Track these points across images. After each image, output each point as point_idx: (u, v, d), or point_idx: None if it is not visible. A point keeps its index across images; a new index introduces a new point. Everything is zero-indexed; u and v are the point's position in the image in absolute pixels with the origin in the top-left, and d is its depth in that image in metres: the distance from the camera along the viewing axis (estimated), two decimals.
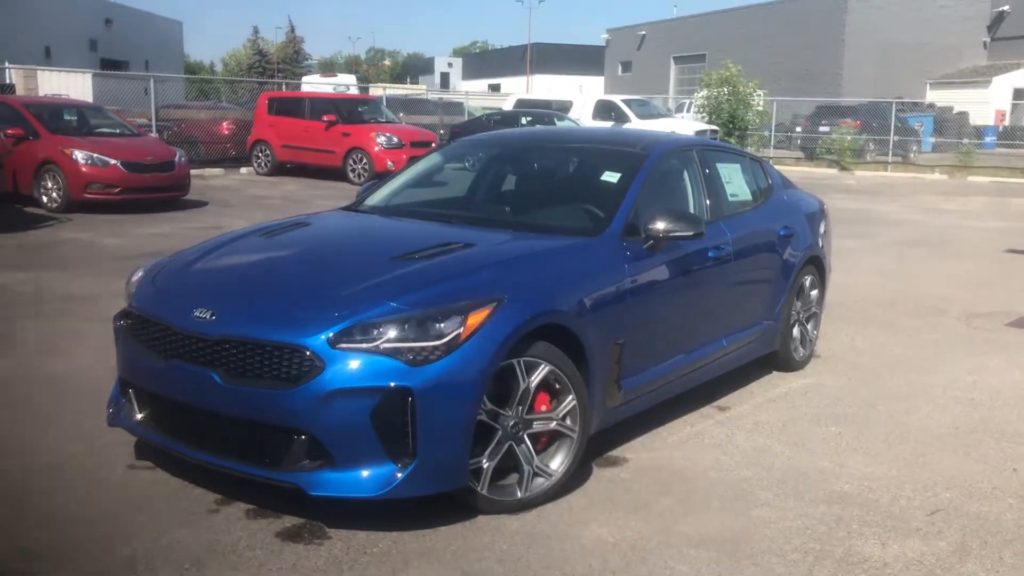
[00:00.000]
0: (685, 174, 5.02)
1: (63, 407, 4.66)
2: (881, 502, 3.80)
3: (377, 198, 5.15)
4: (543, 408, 3.66)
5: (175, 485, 3.73)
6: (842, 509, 3.72)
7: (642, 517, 3.59)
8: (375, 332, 3.30)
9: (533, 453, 3.61)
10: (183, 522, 3.42)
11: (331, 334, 3.28)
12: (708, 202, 4.97)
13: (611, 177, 4.69)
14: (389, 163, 16.52)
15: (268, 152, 19.04)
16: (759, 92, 27.79)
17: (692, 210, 4.87)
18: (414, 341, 3.29)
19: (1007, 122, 37.04)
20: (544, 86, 56.81)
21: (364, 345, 3.27)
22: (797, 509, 3.71)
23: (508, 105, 26.89)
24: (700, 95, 28.43)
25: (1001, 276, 9.35)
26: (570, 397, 3.69)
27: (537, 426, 3.63)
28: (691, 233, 4.29)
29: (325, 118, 18.08)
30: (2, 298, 7.17)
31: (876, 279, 8.99)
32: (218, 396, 3.38)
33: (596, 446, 4.16)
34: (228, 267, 4.07)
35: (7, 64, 20.99)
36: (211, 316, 3.47)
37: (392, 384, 3.23)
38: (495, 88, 63.28)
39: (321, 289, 3.60)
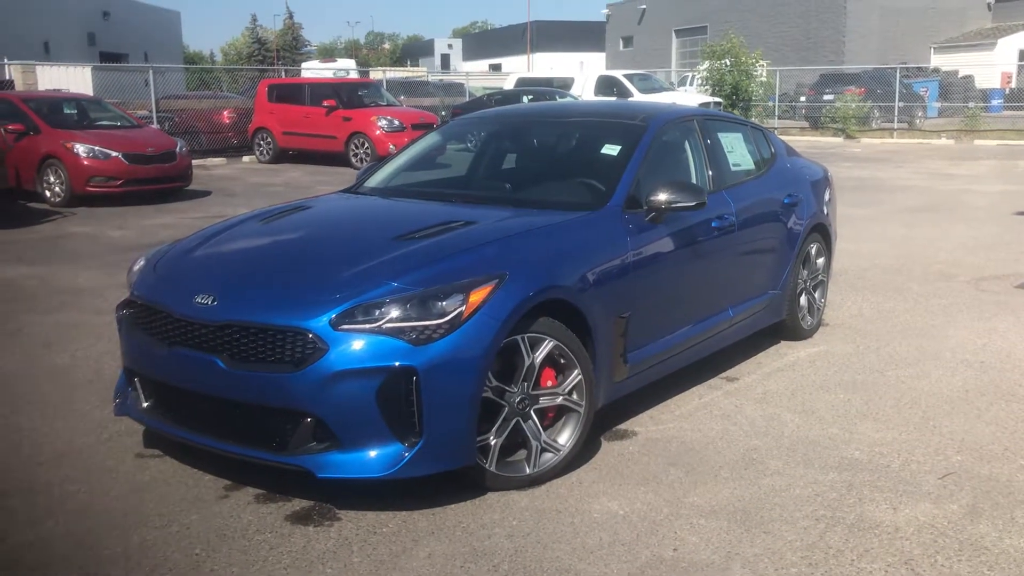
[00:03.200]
0: (686, 144, 4.97)
1: (70, 399, 4.67)
2: (892, 467, 3.78)
3: (376, 180, 5.12)
4: (549, 383, 3.65)
5: (184, 472, 3.74)
6: (853, 475, 3.70)
7: (652, 489, 3.58)
8: (377, 312, 3.28)
9: (540, 429, 3.60)
10: (193, 508, 3.43)
11: (333, 316, 3.27)
12: (710, 172, 4.93)
13: (611, 150, 4.65)
14: (391, 146, 16.43)
15: (270, 140, 19.00)
16: (762, 63, 27.58)
17: (694, 180, 4.83)
18: (417, 320, 3.28)
19: (1013, 84, 36.63)
20: (545, 64, 56.45)
21: (367, 326, 3.25)
22: (807, 476, 3.69)
23: (509, 84, 26.78)
24: (703, 67, 28.22)
25: (1009, 239, 9.28)
26: (576, 372, 3.67)
27: (544, 401, 3.62)
28: (693, 204, 4.25)
29: (325, 103, 18.00)
30: (9, 292, 7.19)
31: (883, 246, 8.93)
32: (222, 381, 3.38)
33: (604, 420, 4.15)
34: (228, 252, 4.05)
35: (5, 60, 20.94)
36: (212, 302, 3.47)
37: (396, 364, 3.21)
38: (496, 68, 62.98)
39: (322, 271, 3.58)
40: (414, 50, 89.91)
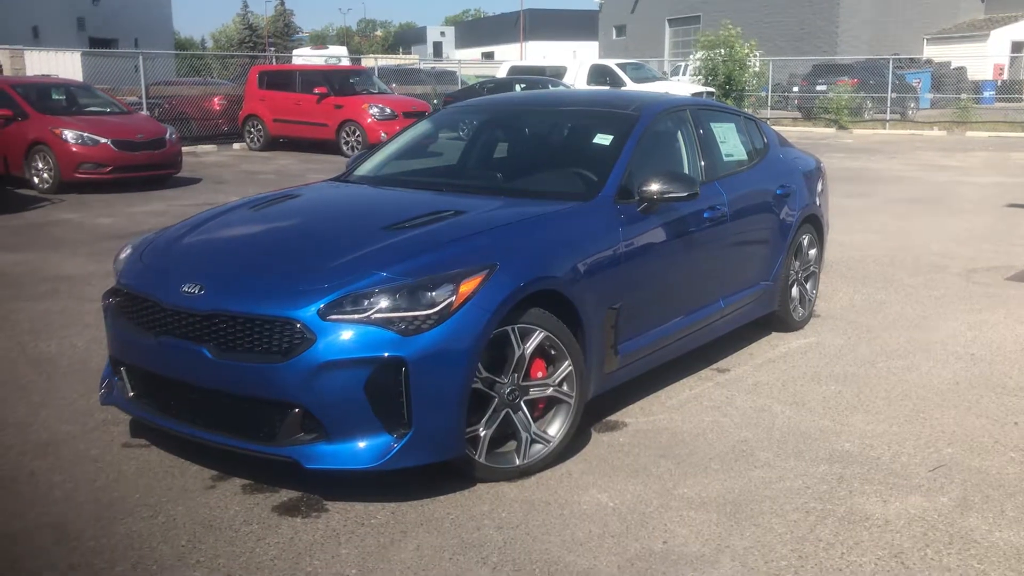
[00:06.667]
0: (679, 134, 4.94)
1: (56, 387, 4.63)
2: (882, 459, 3.77)
3: (367, 168, 5.08)
4: (539, 375, 3.62)
5: (170, 462, 3.70)
6: (843, 468, 3.69)
7: (641, 481, 3.56)
8: (366, 302, 3.25)
9: (530, 420, 3.58)
10: (179, 499, 3.40)
11: (321, 306, 3.23)
12: (703, 162, 4.90)
13: (603, 140, 4.61)
14: (382, 134, 16.36)
15: (260, 127, 18.88)
16: (755, 53, 27.53)
17: (686, 171, 4.80)
18: (406, 310, 3.24)
19: (1005, 76, 36.67)
20: (538, 53, 56.32)
21: (355, 316, 3.22)
22: (798, 469, 3.68)
23: (501, 73, 26.63)
24: (696, 57, 28.16)
25: (1001, 231, 9.29)
26: (566, 363, 3.65)
27: (534, 393, 3.59)
28: (685, 194, 4.22)
29: (317, 91, 17.89)
30: None
31: (875, 237, 8.93)
32: (209, 371, 3.34)
33: (594, 411, 4.13)
34: (216, 241, 4.01)
35: None
36: (199, 291, 3.42)
37: (385, 354, 3.18)
38: (488, 56, 62.80)
39: (310, 261, 3.54)
40: (406, 38, 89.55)
